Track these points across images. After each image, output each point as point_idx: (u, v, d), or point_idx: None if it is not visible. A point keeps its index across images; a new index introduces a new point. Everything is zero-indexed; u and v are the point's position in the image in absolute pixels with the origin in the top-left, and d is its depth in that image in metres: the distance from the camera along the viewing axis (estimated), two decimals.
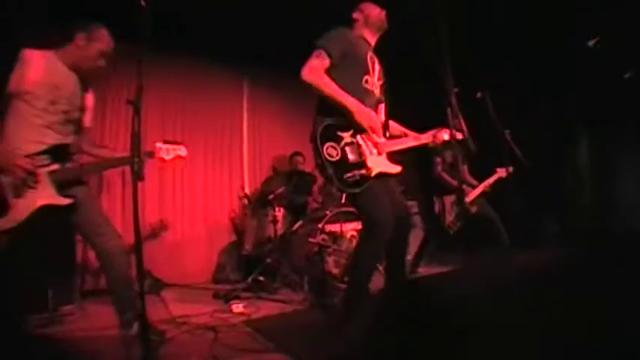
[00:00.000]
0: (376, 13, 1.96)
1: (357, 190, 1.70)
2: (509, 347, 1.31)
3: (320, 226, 2.98)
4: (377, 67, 1.93)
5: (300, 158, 4.05)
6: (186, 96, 4.02)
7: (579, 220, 4.61)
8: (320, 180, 3.77)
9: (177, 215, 3.84)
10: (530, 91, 4.56)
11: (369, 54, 1.91)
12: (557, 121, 4.66)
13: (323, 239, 2.95)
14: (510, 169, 3.34)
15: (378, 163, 1.79)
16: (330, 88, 1.71)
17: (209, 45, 3.85)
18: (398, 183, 1.96)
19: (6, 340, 1.82)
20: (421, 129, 2.09)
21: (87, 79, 1.86)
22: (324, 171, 1.69)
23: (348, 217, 3.13)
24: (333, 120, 1.73)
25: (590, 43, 4.04)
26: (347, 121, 1.73)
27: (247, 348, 1.69)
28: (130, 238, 1.64)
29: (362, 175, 1.70)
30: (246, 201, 3.96)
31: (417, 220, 4.15)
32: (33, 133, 1.67)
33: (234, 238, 3.99)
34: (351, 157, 1.72)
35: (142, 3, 1.42)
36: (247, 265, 3.42)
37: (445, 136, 1.97)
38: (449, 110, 1.72)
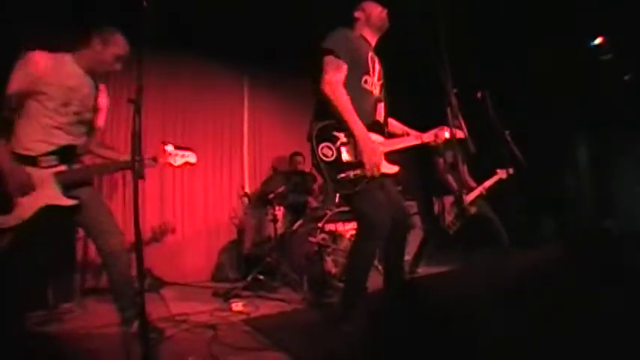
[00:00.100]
0: (378, 12, 1.96)
1: (350, 191, 1.70)
2: (509, 347, 1.31)
3: (320, 225, 2.98)
4: (377, 67, 1.93)
5: (299, 158, 4.06)
6: (187, 95, 4.03)
7: (579, 220, 4.61)
8: (320, 179, 3.77)
9: (178, 214, 3.85)
10: (530, 92, 4.56)
11: (370, 54, 1.91)
12: (556, 122, 4.66)
13: (323, 239, 2.96)
14: (510, 170, 3.33)
15: None
16: (346, 111, 1.68)
17: (209, 45, 3.86)
18: (395, 183, 1.96)
19: (6, 337, 1.83)
20: (421, 129, 2.09)
21: (98, 78, 1.88)
22: (319, 171, 1.70)
23: (348, 217, 3.13)
24: (330, 120, 1.72)
25: (596, 41, 4.03)
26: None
27: (246, 346, 1.70)
28: (131, 237, 1.65)
29: (356, 175, 1.69)
30: (246, 200, 3.96)
31: (416, 220, 4.15)
32: (43, 134, 1.70)
33: (234, 237, 4.00)
34: (346, 157, 1.71)
35: (144, 3, 1.43)
36: (247, 263, 3.43)
37: (446, 134, 1.96)
38: (449, 110, 1.73)
